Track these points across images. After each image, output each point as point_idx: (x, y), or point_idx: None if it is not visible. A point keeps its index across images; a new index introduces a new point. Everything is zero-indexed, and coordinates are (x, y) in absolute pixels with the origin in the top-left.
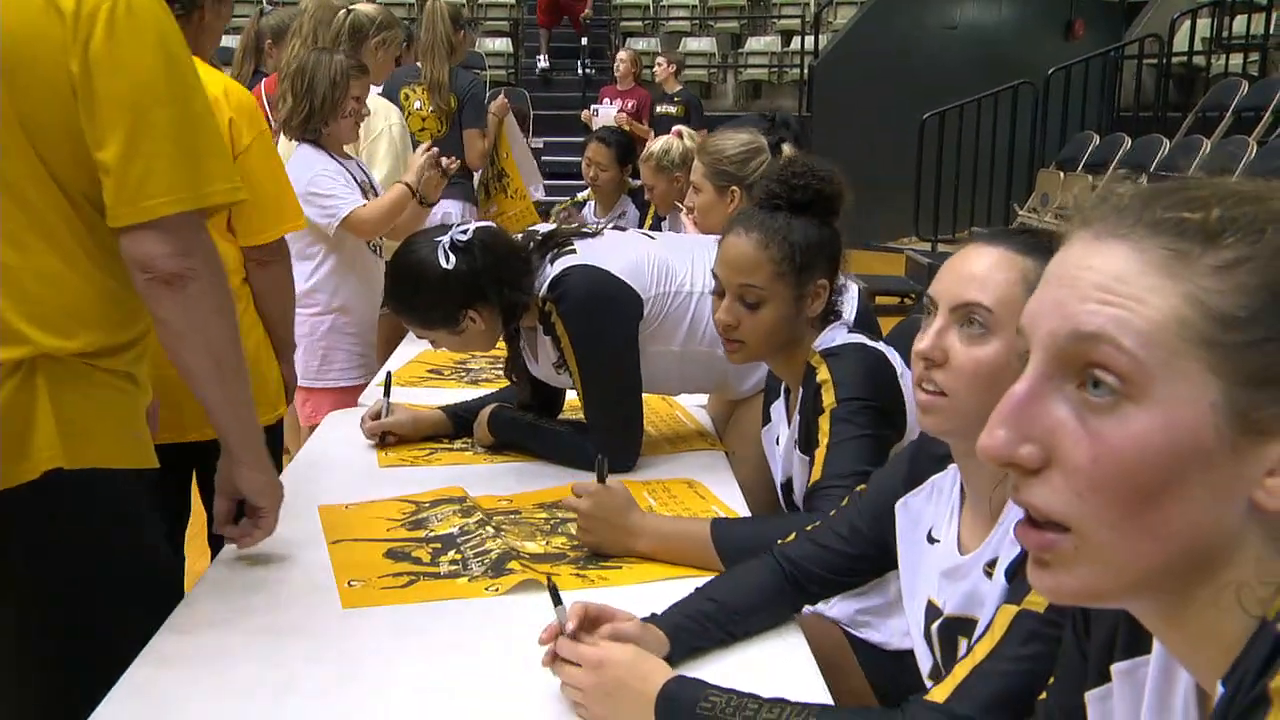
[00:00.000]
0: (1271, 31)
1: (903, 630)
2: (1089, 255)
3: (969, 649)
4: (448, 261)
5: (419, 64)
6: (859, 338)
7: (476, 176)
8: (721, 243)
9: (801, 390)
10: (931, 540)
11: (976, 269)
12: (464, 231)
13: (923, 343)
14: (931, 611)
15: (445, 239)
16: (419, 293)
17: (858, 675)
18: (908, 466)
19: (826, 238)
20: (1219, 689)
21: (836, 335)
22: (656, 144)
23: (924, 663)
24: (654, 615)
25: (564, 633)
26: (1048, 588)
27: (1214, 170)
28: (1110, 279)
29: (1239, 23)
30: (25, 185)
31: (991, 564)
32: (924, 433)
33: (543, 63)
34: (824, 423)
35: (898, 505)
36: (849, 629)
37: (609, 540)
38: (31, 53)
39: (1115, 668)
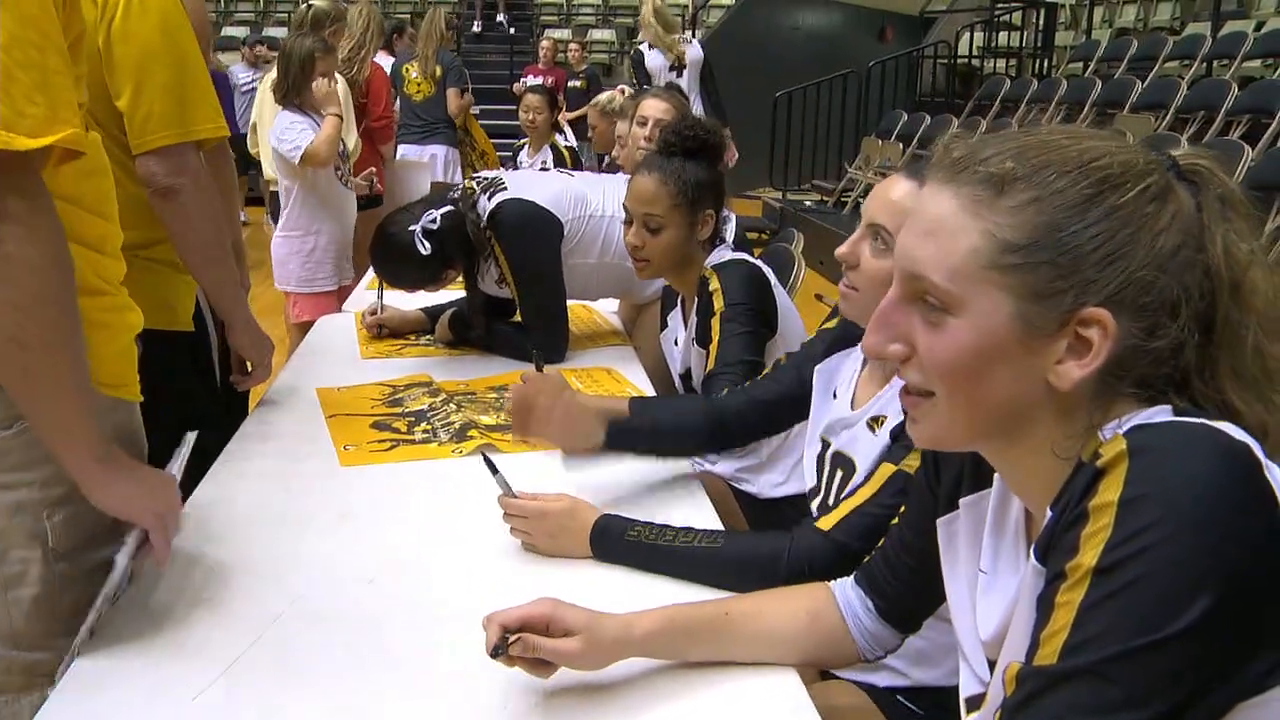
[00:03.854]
0: (1025, 44)
1: (772, 483)
2: (927, 199)
3: (851, 491)
4: (424, 248)
5: (416, 48)
6: (742, 255)
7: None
8: (630, 182)
9: (697, 298)
10: (835, 396)
11: (891, 196)
12: (433, 221)
13: (842, 247)
14: (824, 444)
15: (418, 228)
16: (408, 272)
17: (738, 516)
18: (829, 343)
19: (713, 178)
20: (1048, 513)
21: (724, 254)
22: (603, 96)
23: (810, 480)
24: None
25: (507, 494)
26: (915, 434)
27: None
28: (935, 220)
29: (1003, 36)
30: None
31: (875, 419)
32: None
33: (476, 27)
34: (715, 323)
35: (816, 370)
36: (731, 482)
37: None
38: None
39: (963, 500)
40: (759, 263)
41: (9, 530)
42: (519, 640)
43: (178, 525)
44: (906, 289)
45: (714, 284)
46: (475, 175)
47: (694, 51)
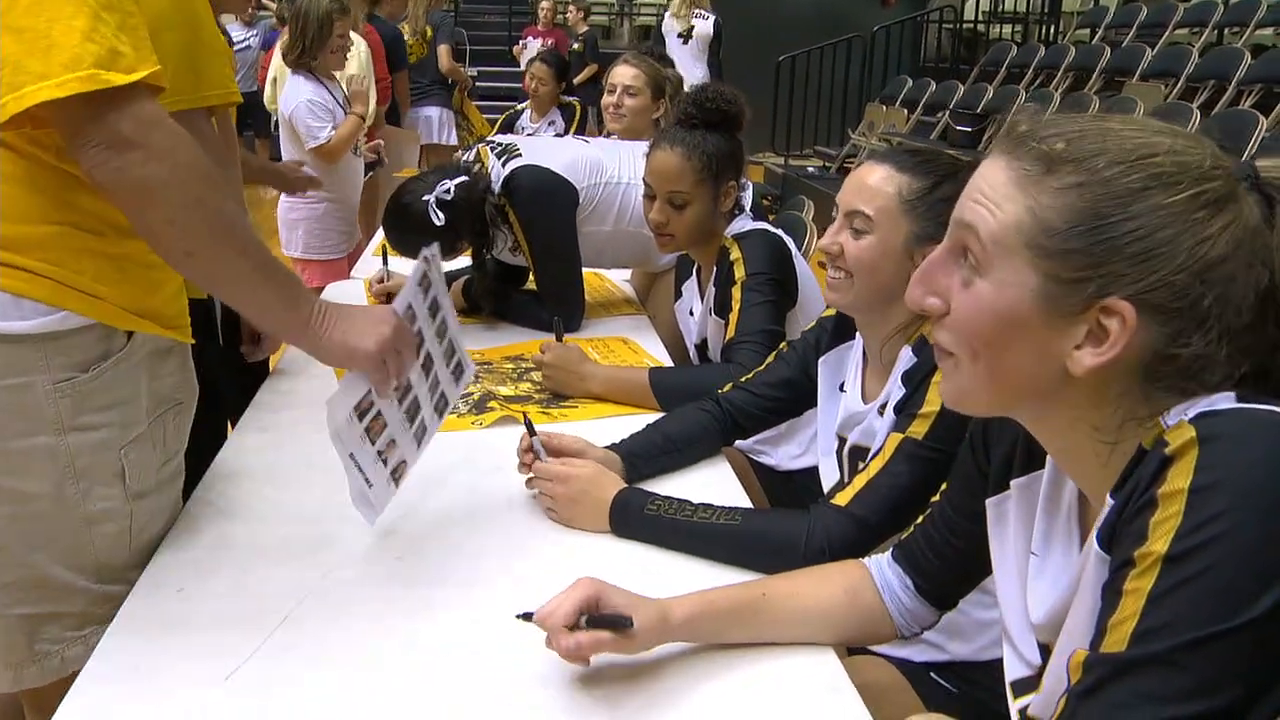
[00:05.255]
0: (1031, 10)
1: (790, 455)
2: (986, 166)
3: (864, 468)
4: (438, 219)
5: (405, 9)
6: (763, 224)
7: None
8: (650, 156)
9: (716, 267)
10: (842, 389)
11: (867, 182)
12: (447, 191)
13: (823, 240)
14: (840, 441)
15: (431, 198)
16: (420, 242)
17: (757, 488)
18: (831, 332)
19: (734, 148)
20: (1108, 500)
21: (745, 223)
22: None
23: (830, 478)
24: (614, 444)
25: (539, 457)
26: (943, 391)
27: (992, 110)
28: (988, 184)
29: (1009, 1)
30: None
31: (883, 407)
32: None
33: None
34: (736, 292)
35: (820, 361)
36: (750, 455)
37: (568, 385)
38: None
39: (1015, 482)
40: (780, 232)
41: (93, 468)
42: (591, 635)
43: (409, 351)
44: (955, 240)
45: (735, 253)
46: (489, 140)
47: (704, 26)
